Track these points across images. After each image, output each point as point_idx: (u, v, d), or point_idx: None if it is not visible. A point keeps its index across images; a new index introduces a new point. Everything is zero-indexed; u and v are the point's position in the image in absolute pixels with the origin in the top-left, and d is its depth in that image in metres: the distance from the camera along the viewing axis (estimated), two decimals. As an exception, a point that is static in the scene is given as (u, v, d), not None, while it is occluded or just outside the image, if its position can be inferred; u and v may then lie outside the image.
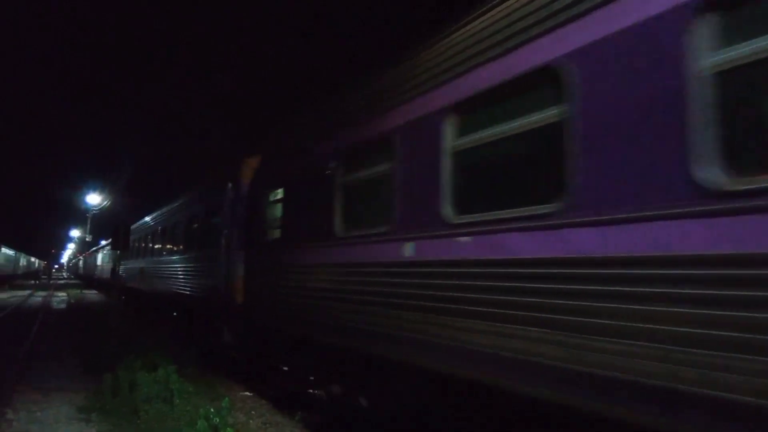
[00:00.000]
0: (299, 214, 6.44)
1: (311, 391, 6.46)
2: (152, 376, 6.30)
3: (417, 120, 4.33)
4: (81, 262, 63.68)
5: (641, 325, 2.53)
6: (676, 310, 2.40)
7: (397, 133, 4.57)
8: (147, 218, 18.28)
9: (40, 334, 12.68)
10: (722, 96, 2.43)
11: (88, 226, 48.00)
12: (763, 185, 2.20)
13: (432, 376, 3.93)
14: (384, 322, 4.44)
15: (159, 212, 16.11)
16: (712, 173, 2.38)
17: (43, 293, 32.05)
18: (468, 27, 3.92)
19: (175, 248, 13.28)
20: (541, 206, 3.16)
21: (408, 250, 4.25)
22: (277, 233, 7.13)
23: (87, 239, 49.60)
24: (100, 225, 47.59)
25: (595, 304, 2.74)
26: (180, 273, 12.11)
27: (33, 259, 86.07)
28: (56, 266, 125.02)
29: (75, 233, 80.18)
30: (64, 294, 31.69)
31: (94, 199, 47.33)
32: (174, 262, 12.95)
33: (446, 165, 3.96)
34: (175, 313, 13.10)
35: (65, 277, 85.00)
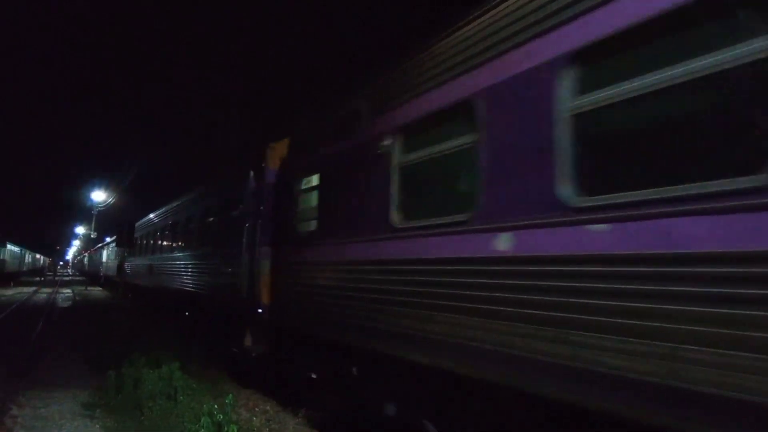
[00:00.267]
0: (340, 202, 5.60)
1: (361, 408, 5.47)
2: (156, 373, 6.30)
3: (514, 78, 3.44)
4: (86, 259, 63.83)
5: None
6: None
7: (481, 97, 3.68)
8: (156, 213, 17.46)
9: (45, 331, 12.78)
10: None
11: (93, 223, 48.28)
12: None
13: (559, 406, 2.98)
14: (470, 334, 3.53)
15: (170, 206, 15.30)
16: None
17: (48, 290, 31.99)
18: None
19: (187, 244, 12.46)
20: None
21: (502, 242, 3.39)
22: (312, 225, 6.26)
23: (92, 236, 49.89)
24: (105, 222, 47.88)
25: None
26: (193, 270, 11.32)
27: (38, 255, 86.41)
28: (61, 263, 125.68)
29: (80, 230, 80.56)
30: (69, 291, 31.73)
31: (99, 195, 47.67)
32: (187, 258, 12.10)
33: (563, 131, 3.07)
34: (187, 313, 12.38)
35: (70, 273, 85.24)
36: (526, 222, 3.23)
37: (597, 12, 2.92)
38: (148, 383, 6.08)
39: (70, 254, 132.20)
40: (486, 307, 3.43)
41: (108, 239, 36.73)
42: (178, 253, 13.19)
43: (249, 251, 7.70)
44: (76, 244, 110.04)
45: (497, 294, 3.36)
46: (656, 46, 2.69)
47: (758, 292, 2.11)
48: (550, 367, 2.94)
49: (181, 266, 12.54)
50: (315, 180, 6.34)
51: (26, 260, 60.73)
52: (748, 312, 2.13)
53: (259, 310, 7.16)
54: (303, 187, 6.64)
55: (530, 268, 3.16)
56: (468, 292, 3.60)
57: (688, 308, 2.33)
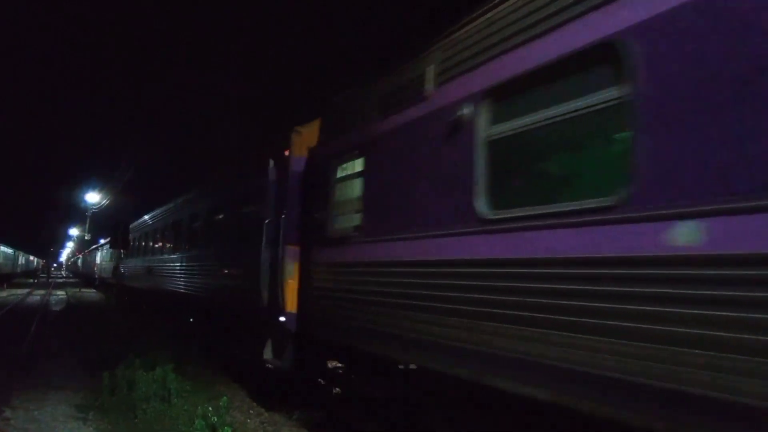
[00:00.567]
0: (395, 190, 4.63)
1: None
2: (150, 375, 6.28)
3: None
4: (80, 261, 63.51)
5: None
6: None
7: (638, 34, 2.67)
8: (155, 212, 16.63)
9: (39, 333, 12.66)
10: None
11: (87, 225, 47.99)
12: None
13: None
14: (609, 364, 2.62)
15: (170, 205, 14.38)
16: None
17: (41, 292, 31.81)
18: None
19: (192, 244, 11.49)
20: None
21: (682, 236, 2.37)
22: (355, 220, 5.29)
23: (86, 238, 49.55)
24: (100, 223, 47.62)
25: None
26: (199, 272, 10.40)
27: (32, 257, 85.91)
28: (55, 265, 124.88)
29: (74, 232, 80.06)
30: (62, 293, 31.50)
31: (93, 197, 47.37)
32: (191, 259, 11.22)
33: None
34: (191, 319, 11.70)
35: (64, 275, 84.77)
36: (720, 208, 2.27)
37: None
38: (142, 385, 6.05)
39: (63, 256, 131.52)
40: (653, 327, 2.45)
41: (102, 241, 36.53)
42: (181, 254, 12.39)
43: (269, 251, 6.76)
44: (69, 246, 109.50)
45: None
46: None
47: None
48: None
49: (184, 268, 11.84)
50: (358, 165, 5.36)
51: (19, 262, 60.39)
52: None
53: (282, 319, 6.18)
54: (341, 174, 5.70)
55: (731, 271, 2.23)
56: (570, 303, 2.85)
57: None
